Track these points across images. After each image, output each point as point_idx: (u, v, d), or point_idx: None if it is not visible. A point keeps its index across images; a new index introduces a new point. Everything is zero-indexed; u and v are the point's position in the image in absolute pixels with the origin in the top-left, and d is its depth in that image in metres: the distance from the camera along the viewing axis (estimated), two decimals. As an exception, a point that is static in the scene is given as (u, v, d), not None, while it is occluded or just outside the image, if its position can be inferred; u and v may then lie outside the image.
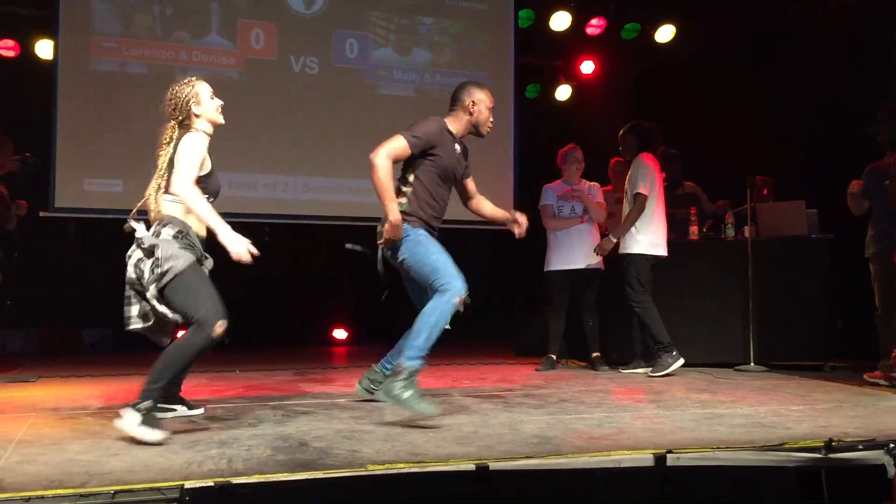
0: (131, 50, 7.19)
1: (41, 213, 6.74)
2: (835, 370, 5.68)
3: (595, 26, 8.68)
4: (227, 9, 7.46)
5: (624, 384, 5.12)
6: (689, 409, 4.02)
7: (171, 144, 3.52)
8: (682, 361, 5.45)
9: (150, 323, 3.46)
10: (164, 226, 3.45)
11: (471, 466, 2.67)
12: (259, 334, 8.07)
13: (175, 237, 3.41)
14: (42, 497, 2.35)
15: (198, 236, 3.56)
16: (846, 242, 5.80)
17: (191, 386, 4.95)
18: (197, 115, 3.58)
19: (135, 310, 3.44)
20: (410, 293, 4.16)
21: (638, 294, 5.57)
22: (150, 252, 3.36)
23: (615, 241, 5.64)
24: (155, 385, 3.28)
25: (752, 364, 5.79)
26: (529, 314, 7.27)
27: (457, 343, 7.87)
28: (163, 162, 3.50)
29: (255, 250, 3.39)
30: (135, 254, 3.42)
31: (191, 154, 3.44)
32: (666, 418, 3.77)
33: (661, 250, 5.66)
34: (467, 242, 8.29)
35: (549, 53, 9.06)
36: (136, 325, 3.46)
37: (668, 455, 2.79)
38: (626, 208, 5.70)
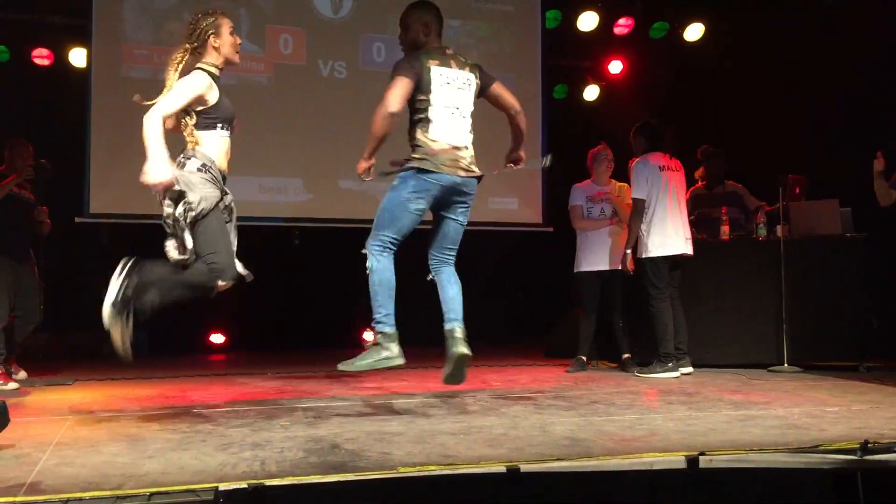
0: (163, 57, 7.14)
1: (76, 219, 6.85)
2: (870, 371, 5.59)
3: (623, 26, 8.64)
4: (255, 15, 7.53)
5: (655, 386, 5.08)
6: (722, 411, 3.99)
7: (179, 66, 3.59)
8: (674, 374, 5.45)
9: (187, 255, 3.49)
10: (189, 158, 3.53)
11: (502, 468, 2.67)
12: (289, 337, 8.13)
13: (199, 170, 3.50)
14: (80, 499, 2.39)
15: (220, 171, 3.63)
16: (881, 241, 5.72)
17: (222, 388, 5.02)
18: (215, 48, 3.66)
19: (170, 243, 3.50)
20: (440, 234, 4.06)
21: (653, 298, 5.55)
22: (175, 194, 3.45)
23: (629, 252, 5.62)
24: (143, 297, 3.41)
25: (785, 365, 5.72)
26: (560, 315, 7.25)
27: (487, 344, 7.89)
28: (170, 83, 3.56)
29: (167, 183, 3.41)
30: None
31: (179, 91, 3.50)
32: (698, 420, 3.75)
33: (674, 249, 5.59)
34: (497, 243, 8.32)
35: (576, 54, 9.03)
36: (172, 254, 3.49)
37: (700, 457, 2.76)
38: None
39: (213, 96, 3.63)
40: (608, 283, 5.97)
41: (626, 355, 5.95)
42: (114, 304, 3.31)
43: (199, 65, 3.66)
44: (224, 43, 3.68)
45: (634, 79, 9.04)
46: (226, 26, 3.70)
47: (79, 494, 2.42)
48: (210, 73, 3.65)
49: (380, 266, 3.80)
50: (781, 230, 5.94)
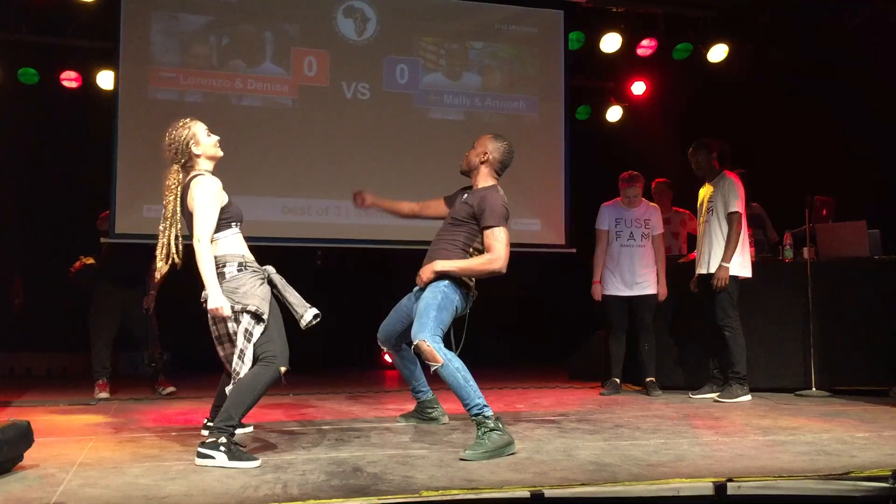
0: (189, 79, 7.35)
1: (102, 240, 6.90)
2: (901, 395, 5.50)
3: (646, 47, 8.60)
4: (280, 37, 7.60)
5: (680, 410, 5.02)
6: (750, 436, 3.93)
7: (178, 188, 3.59)
8: (749, 397, 5.39)
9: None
10: (224, 265, 3.54)
11: (525, 493, 2.65)
12: (311, 358, 8.11)
13: (240, 270, 3.54)
14: (102, 520, 2.39)
15: (252, 261, 3.67)
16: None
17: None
18: (197, 155, 3.65)
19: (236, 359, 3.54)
20: (398, 317, 4.39)
21: (731, 319, 5.45)
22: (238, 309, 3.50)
23: (728, 265, 5.39)
24: (229, 423, 3.37)
25: (813, 389, 5.64)
26: (583, 337, 7.20)
27: (510, 367, 7.85)
28: (172, 208, 3.58)
29: (228, 314, 3.46)
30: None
31: (206, 207, 3.52)
32: (725, 445, 3.69)
33: (749, 271, 5.56)
34: (520, 265, 8.29)
35: (599, 75, 9.02)
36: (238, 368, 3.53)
37: (728, 483, 2.72)
38: (713, 229, 5.52)
39: (224, 197, 3.64)
40: (638, 304, 5.92)
41: (649, 378, 5.88)
42: (230, 458, 3.28)
43: (194, 173, 3.63)
44: (205, 146, 3.66)
45: (657, 100, 9.01)
46: (201, 131, 3.68)
47: (101, 516, 2.42)
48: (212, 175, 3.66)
49: (449, 354, 3.80)
50: (808, 252, 5.87)
